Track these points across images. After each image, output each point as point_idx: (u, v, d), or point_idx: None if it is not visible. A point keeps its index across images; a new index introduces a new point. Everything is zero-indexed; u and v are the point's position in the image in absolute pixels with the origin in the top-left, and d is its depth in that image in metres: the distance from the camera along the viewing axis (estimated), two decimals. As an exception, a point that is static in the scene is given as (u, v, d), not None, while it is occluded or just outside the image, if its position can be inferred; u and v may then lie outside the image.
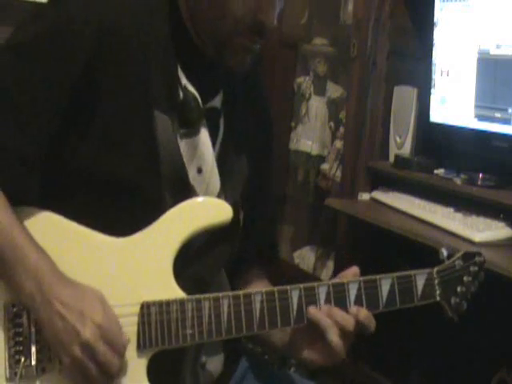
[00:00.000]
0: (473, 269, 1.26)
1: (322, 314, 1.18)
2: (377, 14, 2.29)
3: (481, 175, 1.96)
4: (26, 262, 1.09)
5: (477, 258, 1.27)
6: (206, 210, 1.19)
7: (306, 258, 2.98)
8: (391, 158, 2.31)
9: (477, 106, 2.05)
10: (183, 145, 1.21)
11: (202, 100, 1.22)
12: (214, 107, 1.25)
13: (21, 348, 1.11)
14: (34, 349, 1.12)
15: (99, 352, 1.07)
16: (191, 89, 1.21)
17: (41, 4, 1.19)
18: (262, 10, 1.16)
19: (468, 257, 1.27)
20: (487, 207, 1.89)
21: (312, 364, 1.25)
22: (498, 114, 1.98)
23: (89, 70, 1.13)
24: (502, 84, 1.97)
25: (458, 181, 2.03)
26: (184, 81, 1.20)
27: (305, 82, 3.00)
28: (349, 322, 1.18)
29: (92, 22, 1.13)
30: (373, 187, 2.33)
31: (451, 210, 1.97)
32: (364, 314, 1.19)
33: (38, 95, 1.13)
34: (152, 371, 1.15)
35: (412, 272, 1.23)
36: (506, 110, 1.94)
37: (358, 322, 1.19)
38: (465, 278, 1.25)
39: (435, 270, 1.25)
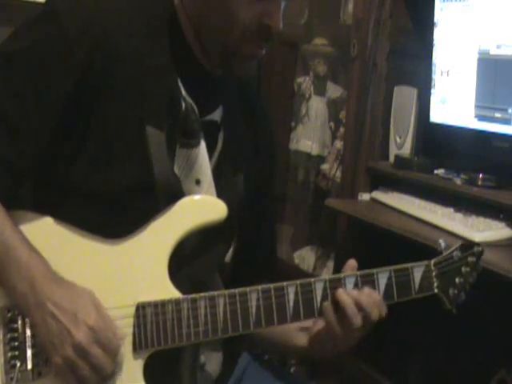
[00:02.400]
0: (471, 259, 1.25)
1: (350, 299, 1.19)
2: (377, 14, 2.29)
3: (481, 175, 1.96)
4: (19, 262, 1.09)
5: (475, 249, 1.26)
6: (200, 208, 1.19)
7: (306, 257, 2.98)
8: (391, 158, 2.31)
9: (477, 106, 2.05)
10: (182, 156, 1.21)
11: (199, 112, 1.22)
12: (213, 121, 1.26)
13: (16, 353, 1.11)
14: (29, 353, 1.12)
15: (92, 354, 1.07)
16: (189, 100, 1.21)
17: (36, 11, 1.18)
18: (268, 14, 1.16)
19: (466, 247, 1.26)
20: (487, 207, 1.89)
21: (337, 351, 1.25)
22: (498, 114, 1.97)
23: (81, 84, 1.13)
24: (502, 84, 1.96)
25: (458, 181, 2.03)
26: (183, 93, 1.20)
27: (305, 82, 3.00)
28: (373, 309, 1.19)
29: (85, 36, 1.13)
30: (373, 187, 2.33)
31: (451, 209, 1.97)
32: (376, 298, 1.20)
33: (28, 108, 1.13)
34: (149, 372, 1.15)
35: (409, 265, 1.23)
36: (506, 110, 1.94)
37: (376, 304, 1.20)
38: (463, 269, 1.25)
39: (432, 262, 1.24)
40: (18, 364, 1.11)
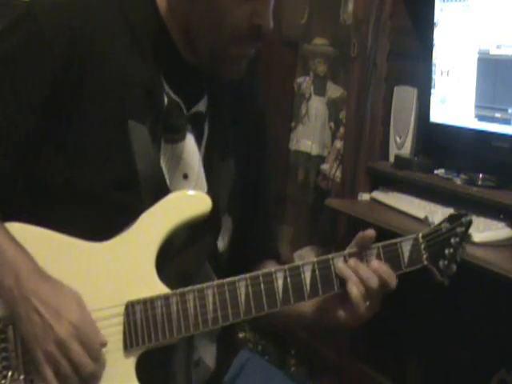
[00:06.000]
0: (460, 230, 1.24)
1: (349, 269, 1.18)
2: (377, 14, 2.29)
3: (481, 175, 1.96)
4: (5, 257, 1.10)
5: (463, 219, 1.25)
6: (183, 203, 1.19)
7: (306, 257, 2.97)
8: (391, 158, 2.31)
9: (477, 106, 2.05)
10: (168, 151, 1.21)
11: (185, 106, 1.22)
12: (199, 112, 1.26)
13: (8, 363, 1.11)
14: (21, 362, 1.12)
15: (73, 351, 1.08)
16: (173, 96, 1.21)
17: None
18: (257, 14, 1.16)
19: (454, 218, 1.25)
20: (487, 207, 1.89)
21: (341, 326, 1.23)
22: (498, 114, 1.97)
23: (60, 82, 1.14)
24: (502, 84, 1.97)
25: (458, 181, 2.03)
26: (166, 88, 1.20)
27: (305, 82, 3.00)
28: (372, 279, 1.18)
29: (62, 35, 1.14)
30: (373, 187, 2.33)
31: (451, 210, 1.96)
32: (384, 268, 1.19)
33: (9, 109, 1.14)
34: (142, 371, 1.15)
35: (397, 239, 1.23)
36: (506, 110, 1.94)
37: (380, 277, 1.18)
38: (452, 240, 1.24)
39: (420, 234, 1.23)
40: (10, 373, 1.11)
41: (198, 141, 1.25)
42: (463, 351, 2.10)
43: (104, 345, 1.12)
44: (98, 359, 1.11)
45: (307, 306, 1.27)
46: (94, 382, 1.12)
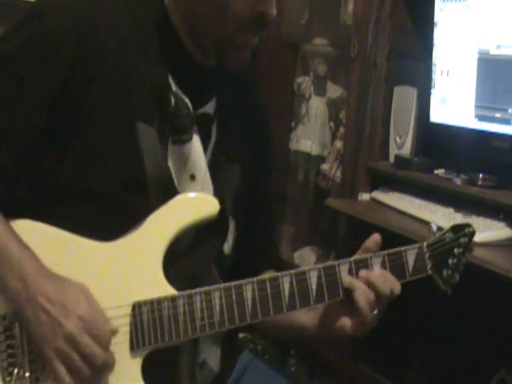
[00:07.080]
0: (463, 240, 1.26)
1: (356, 280, 1.19)
2: (377, 14, 2.29)
3: (481, 175, 1.96)
4: (10, 259, 1.09)
5: (466, 230, 1.27)
6: (191, 205, 1.19)
7: (306, 258, 2.98)
8: (391, 158, 2.31)
9: (477, 106, 2.05)
10: (175, 152, 1.21)
11: (193, 106, 1.22)
12: (207, 113, 1.26)
13: (14, 360, 1.11)
14: (27, 359, 1.11)
15: (83, 343, 1.07)
16: (181, 95, 1.21)
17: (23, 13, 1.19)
18: (260, 1, 1.16)
19: (457, 229, 1.27)
20: (487, 207, 1.89)
21: (346, 335, 1.23)
22: (498, 114, 1.98)
23: (68, 81, 1.13)
24: (502, 84, 1.97)
25: (458, 181, 2.03)
26: (174, 88, 1.20)
27: (305, 82, 3.00)
28: (385, 286, 1.18)
29: (70, 34, 1.13)
30: (373, 187, 2.33)
31: (451, 209, 1.97)
32: (389, 276, 1.20)
33: (16, 109, 1.13)
34: (147, 372, 1.15)
35: (402, 248, 1.23)
36: (506, 110, 1.94)
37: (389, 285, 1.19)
38: (455, 250, 1.25)
39: (425, 244, 1.24)
40: (16, 371, 1.11)
41: (205, 143, 1.25)
42: (463, 351, 2.10)
43: (114, 332, 1.11)
44: (108, 348, 1.10)
45: (309, 318, 1.27)
46: (104, 376, 1.11)
